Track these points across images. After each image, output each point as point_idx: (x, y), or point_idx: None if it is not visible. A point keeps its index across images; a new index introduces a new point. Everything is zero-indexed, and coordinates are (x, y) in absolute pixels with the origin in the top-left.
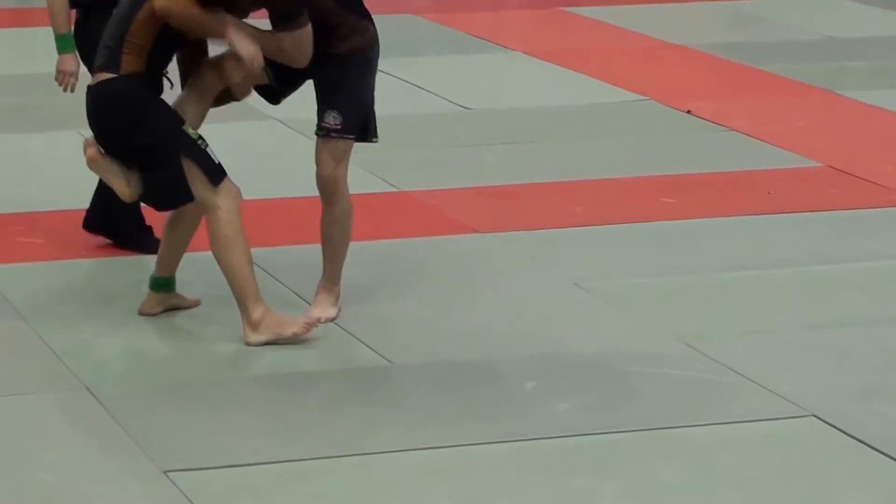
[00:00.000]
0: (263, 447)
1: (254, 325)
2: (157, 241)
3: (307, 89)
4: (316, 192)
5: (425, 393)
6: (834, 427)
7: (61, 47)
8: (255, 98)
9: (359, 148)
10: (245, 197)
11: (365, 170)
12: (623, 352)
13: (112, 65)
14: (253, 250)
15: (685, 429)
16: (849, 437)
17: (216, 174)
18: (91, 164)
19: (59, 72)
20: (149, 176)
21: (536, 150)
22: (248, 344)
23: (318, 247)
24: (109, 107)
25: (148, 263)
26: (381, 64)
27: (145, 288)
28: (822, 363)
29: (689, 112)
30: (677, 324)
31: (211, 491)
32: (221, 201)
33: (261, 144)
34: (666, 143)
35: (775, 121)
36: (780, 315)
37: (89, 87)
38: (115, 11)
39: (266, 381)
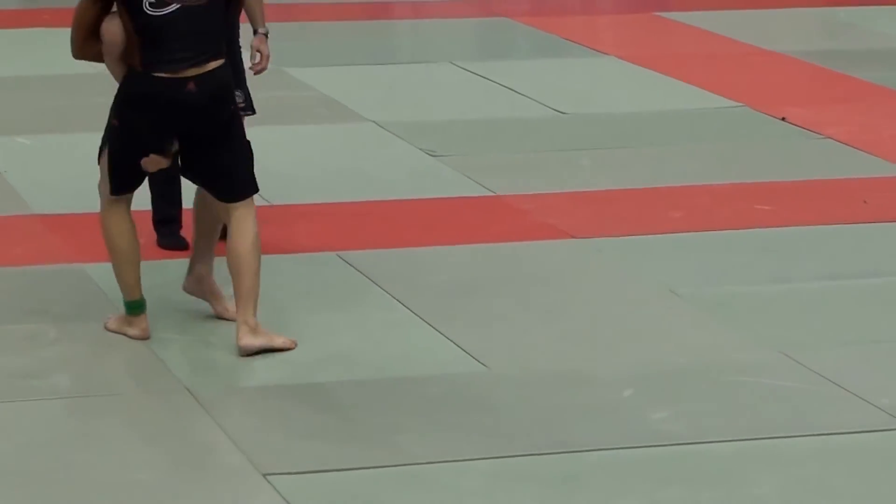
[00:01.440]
0: (362, 451)
1: (251, 329)
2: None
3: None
4: (412, 196)
5: (522, 399)
6: None
7: None
8: (352, 100)
9: (452, 150)
10: (340, 199)
11: (460, 173)
12: (720, 361)
13: (219, 52)
14: (347, 252)
15: (783, 439)
16: None
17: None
18: None
19: None
20: (230, 165)
21: (631, 156)
22: (245, 346)
23: (413, 250)
24: (226, 97)
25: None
26: (476, 67)
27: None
28: None
29: (783, 119)
30: (774, 333)
31: (310, 495)
32: (252, 201)
33: (357, 146)
34: (760, 149)
35: (870, 129)
36: (878, 325)
37: (194, 78)
38: (162, 25)
39: (363, 385)
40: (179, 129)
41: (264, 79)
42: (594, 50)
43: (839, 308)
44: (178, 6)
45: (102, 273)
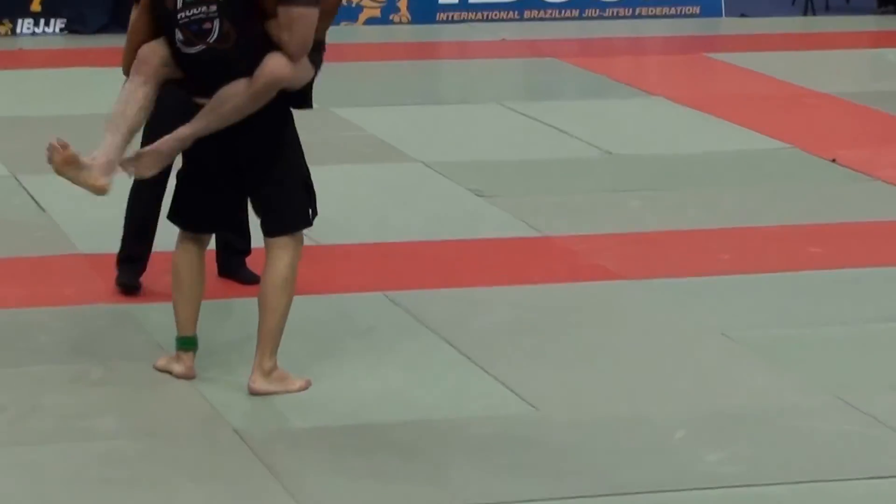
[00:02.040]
0: (411, 492)
1: (266, 373)
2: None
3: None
4: (459, 236)
5: (573, 441)
6: None
7: None
8: (399, 140)
9: (500, 191)
10: (388, 239)
11: (508, 214)
12: (772, 403)
13: None
14: (394, 293)
15: (836, 483)
16: None
17: (314, 215)
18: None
19: None
20: (267, 198)
21: (680, 197)
22: (254, 390)
23: (461, 290)
24: (253, 134)
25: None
26: (525, 107)
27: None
28: None
29: (833, 161)
30: (827, 376)
31: None
32: (297, 243)
33: (405, 186)
34: (811, 191)
35: None
36: None
37: None
38: (192, 63)
39: (413, 425)
40: (215, 158)
41: (312, 119)
42: (642, 90)
43: (892, 351)
44: (204, 47)
45: (148, 313)
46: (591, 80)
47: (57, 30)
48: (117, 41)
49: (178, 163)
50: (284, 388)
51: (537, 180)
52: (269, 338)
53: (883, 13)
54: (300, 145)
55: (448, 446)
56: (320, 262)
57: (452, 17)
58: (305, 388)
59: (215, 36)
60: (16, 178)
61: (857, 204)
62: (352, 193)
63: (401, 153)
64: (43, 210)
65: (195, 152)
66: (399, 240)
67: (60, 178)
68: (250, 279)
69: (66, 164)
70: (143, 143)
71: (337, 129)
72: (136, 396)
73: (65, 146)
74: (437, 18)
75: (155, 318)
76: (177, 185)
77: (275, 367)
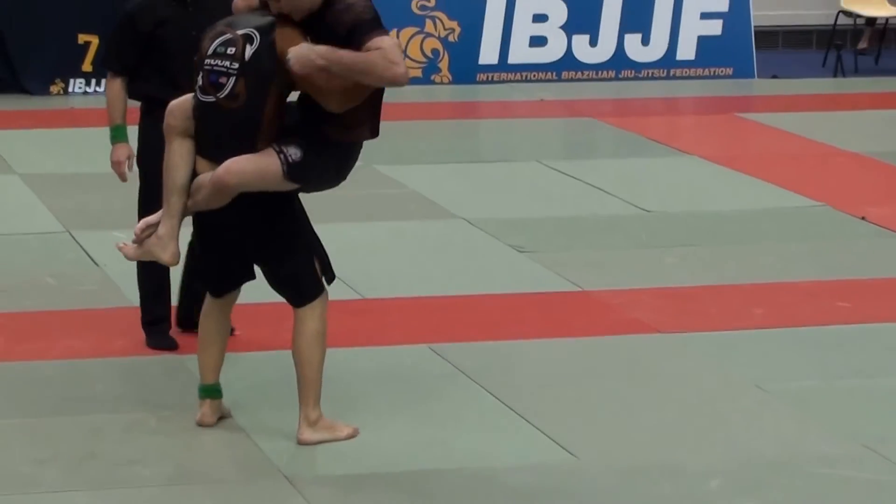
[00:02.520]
0: None
1: (311, 423)
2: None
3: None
4: (501, 290)
5: (611, 489)
6: None
7: (114, 137)
8: (442, 197)
9: (541, 247)
10: (432, 293)
11: (548, 269)
12: (805, 453)
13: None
14: (438, 345)
15: None
16: None
17: (329, 273)
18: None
19: (113, 162)
20: (282, 269)
21: (715, 253)
22: (303, 440)
23: (502, 343)
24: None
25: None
26: (563, 166)
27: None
28: None
29: (863, 218)
30: (857, 426)
31: None
32: (321, 299)
33: (448, 242)
34: (841, 248)
35: None
36: None
37: None
38: (203, 112)
39: (453, 473)
40: (220, 236)
41: (356, 176)
42: (677, 149)
43: None
44: (213, 99)
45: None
46: (627, 140)
47: None
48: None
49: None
50: (332, 437)
51: (576, 237)
52: (309, 389)
53: None
54: (305, 220)
55: (490, 494)
56: (366, 315)
57: (492, 77)
58: (353, 435)
59: (226, 93)
60: (70, 234)
61: (886, 260)
62: (396, 249)
63: (443, 210)
64: (96, 265)
65: (203, 225)
66: (442, 294)
67: (112, 234)
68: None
69: (138, 254)
70: (141, 174)
71: (381, 187)
72: (188, 443)
73: (125, 246)
74: (478, 79)
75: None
76: (197, 253)
77: (320, 417)
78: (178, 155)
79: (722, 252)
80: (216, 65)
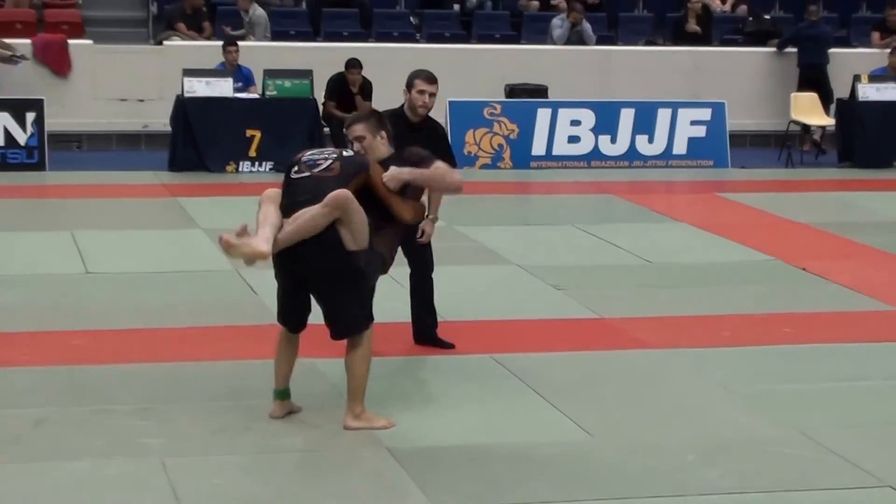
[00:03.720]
0: (504, 489)
1: (355, 416)
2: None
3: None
4: (543, 317)
5: (616, 459)
6: None
7: None
8: (502, 249)
9: (572, 286)
10: (493, 318)
11: (577, 302)
12: (756, 436)
13: None
14: (497, 355)
15: (800, 492)
16: None
17: (367, 323)
18: (228, 249)
19: None
20: (341, 306)
21: (697, 293)
22: (347, 426)
23: (543, 354)
24: (324, 253)
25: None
26: (591, 228)
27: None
28: None
29: (804, 269)
30: (796, 418)
31: None
32: (368, 329)
33: (505, 281)
34: (787, 290)
35: (864, 277)
36: (868, 414)
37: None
38: (293, 187)
39: (504, 445)
40: (296, 278)
41: (442, 234)
42: (672, 218)
43: (842, 403)
44: (309, 174)
45: (333, 367)
46: (636, 211)
47: (267, 168)
48: None
49: None
50: (370, 426)
51: (598, 279)
52: (355, 393)
53: (841, 167)
54: (363, 277)
55: (529, 461)
56: (444, 332)
57: (541, 164)
58: (388, 426)
59: (321, 168)
60: (237, 272)
61: (820, 299)
62: (468, 285)
63: (503, 258)
64: (255, 293)
65: (278, 269)
66: (501, 318)
67: (258, 266)
68: (443, 344)
69: (230, 248)
70: None
71: (459, 241)
72: (316, 424)
73: (222, 238)
74: (531, 165)
75: (338, 370)
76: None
77: (363, 411)
78: (272, 210)
79: (701, 291)
80: (314, 156)
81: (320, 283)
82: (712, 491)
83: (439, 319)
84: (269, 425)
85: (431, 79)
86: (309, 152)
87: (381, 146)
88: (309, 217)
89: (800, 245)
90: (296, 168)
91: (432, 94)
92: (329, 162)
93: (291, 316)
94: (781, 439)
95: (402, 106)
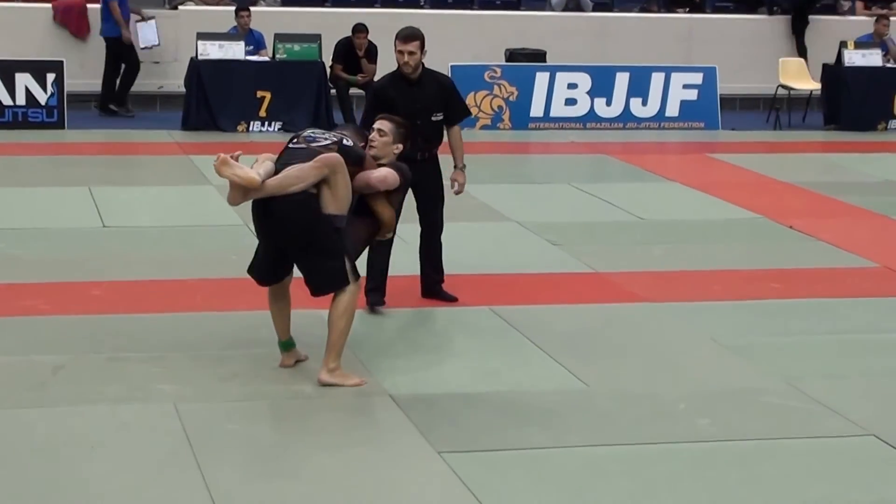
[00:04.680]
0: (505, 434)
1: (329, 370)
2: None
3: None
4: (540, 271)
5: (610, 407)
6: (887, 444)
7: None
8: (501, 206)
9: (568, 242)
10: (492, 272)
11: (573, 257)
12: (745, 386)
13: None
14: (496, 307)
15: (784, 440)
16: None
17: (355, 277)
18: (223, 166)
19: None
20: (318, 266)
21: (687, 249)
22: (321, 381)
23: (540, 306)
24: (297, 216)
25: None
26: (587, 186)
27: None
28: (882, 401)
29: (791, 227)
30: (781, 368)
31: (469, 468)
32: (353, 284)
33: (504, 238)
34: (775, 247)
35: (849, 234)
36: (853, 365)
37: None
38: (290, 155)
39: (504, 393)
40: (269, 234)
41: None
42: (664, 177)
43: (826, 353)
44: (305, 146)
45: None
46: (630, 171)
47: (276, 129)
48: None
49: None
50: (342, 382)
51: (593, 235)
52: (332, 348)
53: (827, 129)
54: (337, 234)
55: (527, 409)
56: (445, 284)
57: (539, 125)
58: (360, 384)
59: (320, 144)
60: (247, 226)
61: (806, 256)
62: (468, 241)
63: (501, 215)
64: None
65: (257, 230)
66: (499, 272)
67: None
68: (447, 298)
69: (224, 165)
70: None
71: (460, 199)
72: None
73: (219, 156)
74: (529, 126)
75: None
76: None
77: (337, 367)
78: (268, 161)
79: (692, 248)
80: (314, 134)
81: (292, 241)
82: (702, 438)
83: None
84: (278, 373)
85: (408, 37)
86: (312, 130)
87: (389, 153)
88: (297, 170)
89: (787, 204)
90: (295, 140)
91: (411, 53)
92: (328, 142)
93: (260, 272)
94: (769, 389)
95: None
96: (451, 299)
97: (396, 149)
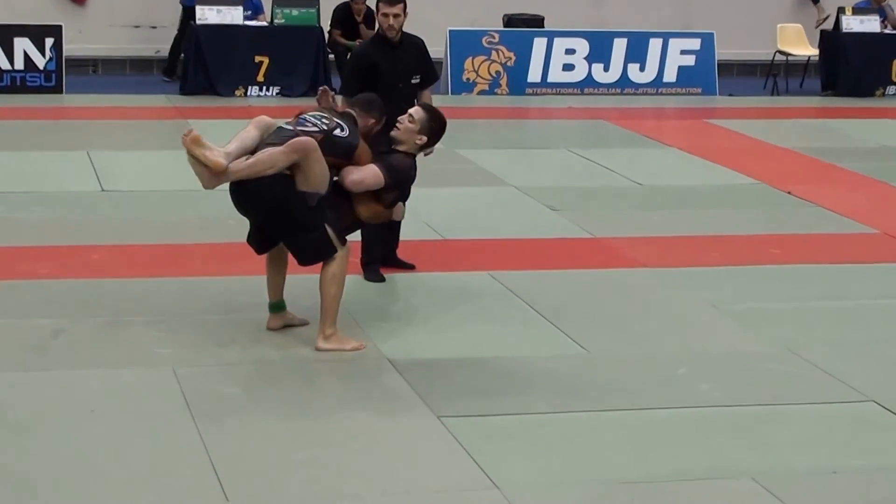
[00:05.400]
0: (502, 403)
1: (325, 337)
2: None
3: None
4: (539, 236)
5: (610, 373)
6: (888, 409)
7: None
8: (500, 171)
9: (566, 207)
10: (490, 237)
11: (572, 222)
12: (745, 352)
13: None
14: (495, 272)
15: (784, 406)
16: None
17: (342, 244)
18: (191, 146)
19: None
20: (299, 240)
21: (686, 214)
22: (318, 348)
23: (540, 272)
24: (267, 194)
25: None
26: (585, 152)
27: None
28: (882, 367)
29: (789, 193)
30: (782, 335)
31: (469, 431)
32: (341, 251)
33: (503, 202)
34: (774, 213)
35: (848, 201)
36: (852, 331)
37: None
38: (278, 135)
39: (504, 359)
40: (245, 212)
41: (441, 156)
42: (662, 143)
43: (826, 320)
44: (292, 130)
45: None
46: (628, 136)
47: (274, 93)
48: (314, 102)
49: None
50: (340, 347)
51: (592, 200)
52: (326, 314)
53: (824, 95)
54: (312, 209)
55: (528, 374)
56: (443, 250)
57: (537, 91)
58: (358, 348)
59: (307, 130)
60: None
61: (805, 222)
62: (467, 206)
63: (500, 180)
64: None
65: (237, 207)
66: (498, 237)
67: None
68: (404, 265)
69: (194, 143)
70: None
71: (458, 164)
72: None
73: (191, 131)
74: (526, 92)
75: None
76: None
77: (334, 333)
78: (251, 134)
79: (691, 213)
80: (309, 117)
81: (267, 219)
82: (702, 403)
83: (438, 237)
84: (277, 337)
85: (393, 0)
86: (311, 112)
87: (412, 141)
88: (267, 155)
89: (785, 170)
90: (289, 120)
91: (396, 16)
92: (314, 130)
93: (254, 242)
94: (769, 355)
95: (378, 30)
96: (408, 267)
97: (420, 140)
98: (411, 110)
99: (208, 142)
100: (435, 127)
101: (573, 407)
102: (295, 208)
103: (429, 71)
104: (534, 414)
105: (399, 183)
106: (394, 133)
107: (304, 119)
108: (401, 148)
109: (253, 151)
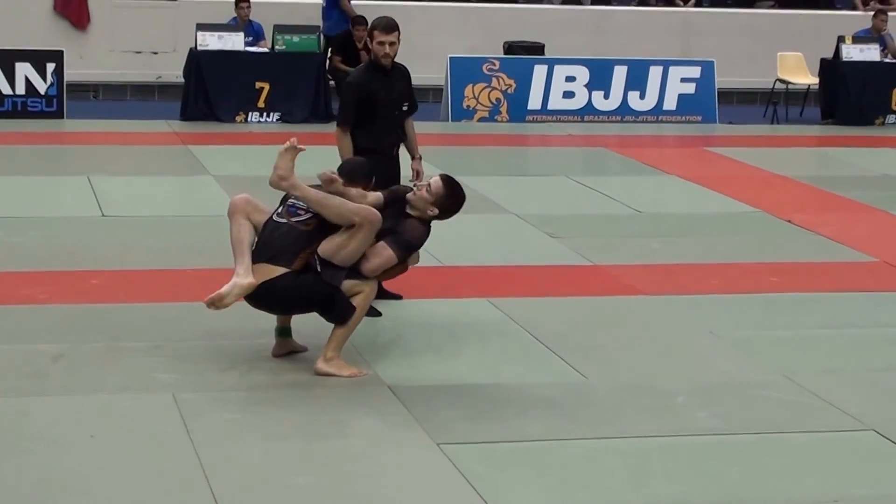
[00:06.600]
0: (503, 426)
1: (326, 360)
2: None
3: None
4: (538, 263)
5: (610, 400)
6: (887, 438)
7: None
8: (499, 198)
9: (566, 234)
10: (490, 263)
11: (571, 249)
12: (744, 380)
13: (290, 263)
14: (494, 299)
15: (782, 434)
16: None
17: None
18: (219, 302)
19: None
20: (323, 311)
21: (685, 242)
22: (317, 370)
23: (538, 299)
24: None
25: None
26: (584, 179)
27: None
28: (882, 396)
29: (789, 221)
30: (780, 362)
31: (468, 459)
32: (367, 287)
33: (502, 229)
34: (774, 241)
35: (847, 229)
36: (851, 360)
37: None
38: (271, 229)
39: (503, 386)
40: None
41: None
42: (662, 171)
43: (825, 348)
44: (286, 221)
45: None
46: (628, 163)
47: (274, 119)
48: (315, 129)
49: None
50: (337, 373)
51: (591, 227)
52: (334, 339)
53: (824, 124)
54: (325, 285)
55: (526, 401)
56: (443, 277)
57: (537, 118)
58: (355, 375)
59: (302, 219)
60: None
61: (804, 250)
62: (467, 233)
63: (500, 207)
64: None
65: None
66: (497, 264)
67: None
68: (390, 296)
69: (221, 298)
70: None
71: None
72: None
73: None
74: (527, 119)
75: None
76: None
77: (335, 357)
78: (244, 229)
79: (690, 241)
80: (298, 202)
81: (292, 310)
82: (700, 431)
83: (439, 263)
84: (277, 363)
85: (390, 28)
86: (295, 198)
87: (424, 211)
88: (338, 202)
89: (785, 198)
90: (280, 209)
91: (392, 44)
92: (310, 215)
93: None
94: (767, 383)
95: (371, 56)
96: (394, 297)
97: (431, 211)
98: (431, 180)
99: (224, 289)
100: (448, 204)
101: (572, 434)
102: (313, 297)
103: (413, 99)
104: (533, 441)
105: (412, 251)
106: (409, 196)
107: (294, 207)
108: (413, 213)
109: (256, 226)
